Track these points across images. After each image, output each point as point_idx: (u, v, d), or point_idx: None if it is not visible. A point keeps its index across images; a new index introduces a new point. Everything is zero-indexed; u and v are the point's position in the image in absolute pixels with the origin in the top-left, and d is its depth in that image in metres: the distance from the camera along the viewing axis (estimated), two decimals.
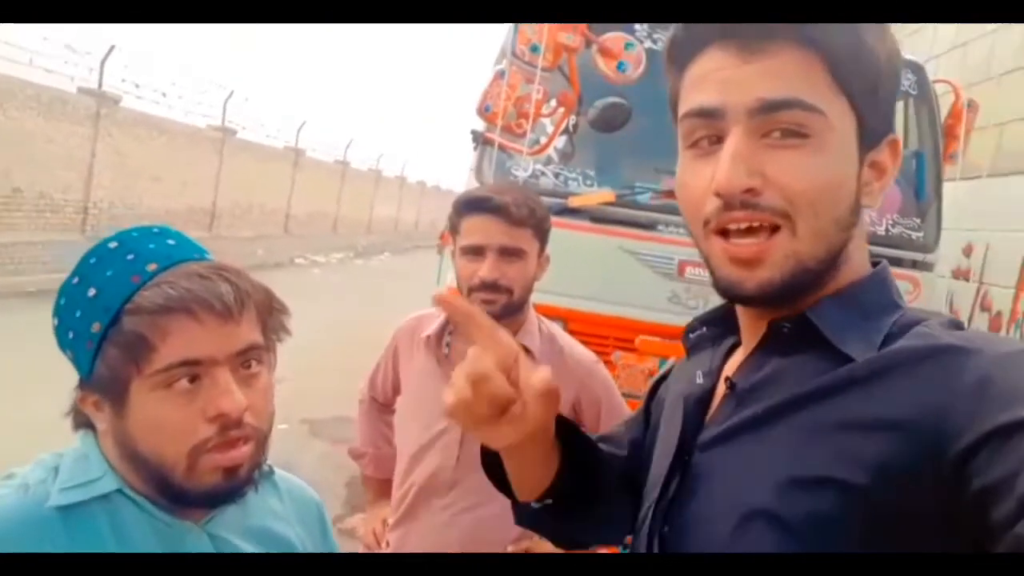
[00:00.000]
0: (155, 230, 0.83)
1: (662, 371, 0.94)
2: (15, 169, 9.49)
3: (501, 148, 2.59)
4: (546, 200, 2.80)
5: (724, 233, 0.67)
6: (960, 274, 3.89)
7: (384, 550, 1.71)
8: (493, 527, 1.60)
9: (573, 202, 2.64)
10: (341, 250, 20.27)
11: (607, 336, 2.66)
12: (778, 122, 0.63)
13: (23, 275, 9.18)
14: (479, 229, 1.55)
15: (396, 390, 1.82)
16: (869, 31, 0.65)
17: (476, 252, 1.55)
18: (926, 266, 2.78)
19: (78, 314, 0.77)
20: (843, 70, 0.64)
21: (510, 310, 1.56)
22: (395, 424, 1.83)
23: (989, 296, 3.78)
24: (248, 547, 0.88)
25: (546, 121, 2.82)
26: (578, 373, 1.63)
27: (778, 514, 0.60)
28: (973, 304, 3.80)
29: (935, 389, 0.55)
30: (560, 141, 3.06)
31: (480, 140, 2.71)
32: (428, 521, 1.62)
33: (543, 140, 2.81)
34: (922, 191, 2.82)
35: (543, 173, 2.83)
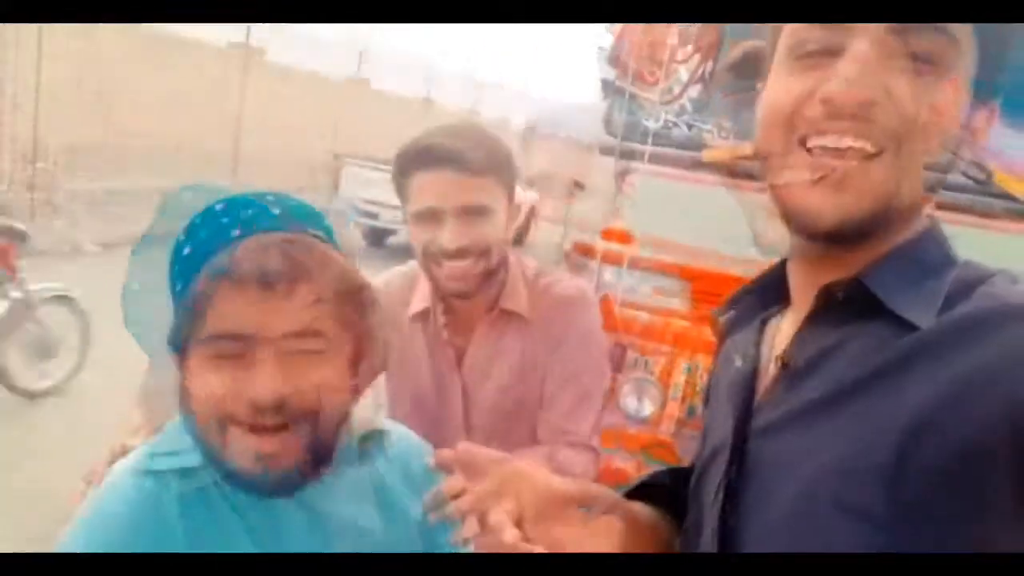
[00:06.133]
0: (269, 197, 0.79)
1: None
2: (175, 121, 10.25)
3: (632, 97, 2.49)
4: (678, 154, 2.72)
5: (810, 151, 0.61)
6: None
7: None
8: None
9: (707, 156, 2.50)
10: None
11: None
12: (911, 45, 0.58)
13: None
14: (430, 188, 1.26)
15: None
16: None
17: (432, 217, 1.26)
18: None
19: (176, 268, 0.77)
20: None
21: (489, 278, 1.32)
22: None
23: None
24: (347, 512, 0.85)
25: (681, 68, 2.68)
26: (564, 309, 1.41)
27: (852, 502, 0.56)
28: None
29: (1013, 354, 0.52)
30: (695, 90, 2.90)
31: (611, 89, 2.62)
32: None
33: (676, 89, 2.67)
34: None
35: (676, 124, 2.70)
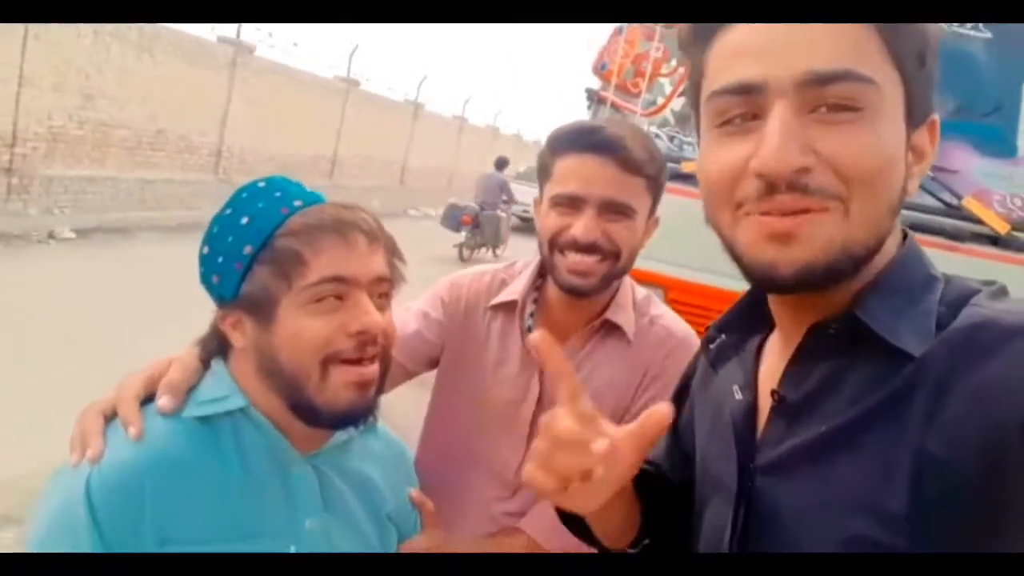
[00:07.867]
0: (294, 181, 0.93)
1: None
2: (160, 112, 10.16)
3: (615, 107, 2.53)
4: None
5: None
6: None
7: None
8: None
9: (687, 167, 2.54)
10: None
11: (709, 308, 2.57)
12: (828, 96, 0.57)
13: (163, 210, 9.89)
14: (578, 173, 1.18)
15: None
16: None
17: (572, 204, 1.18)
18: None
19: (230, 239, 0.85)
20: (896, 36, 0.59)
21: (607, 283, 1.24)
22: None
23: None
24: (343, 484, 0.95)
25: (665, 81, 2.72)
26: (667, 345, 1.32)
27: (867, 538, 0.56)
28: None
29: (1009, 375, 0.52)
30: (678, 103, 2.95)
31: (595, 99, 2.65)
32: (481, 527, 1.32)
33: (660, 101, 2.71)
34: None
35: (658, 135, 2.74)
